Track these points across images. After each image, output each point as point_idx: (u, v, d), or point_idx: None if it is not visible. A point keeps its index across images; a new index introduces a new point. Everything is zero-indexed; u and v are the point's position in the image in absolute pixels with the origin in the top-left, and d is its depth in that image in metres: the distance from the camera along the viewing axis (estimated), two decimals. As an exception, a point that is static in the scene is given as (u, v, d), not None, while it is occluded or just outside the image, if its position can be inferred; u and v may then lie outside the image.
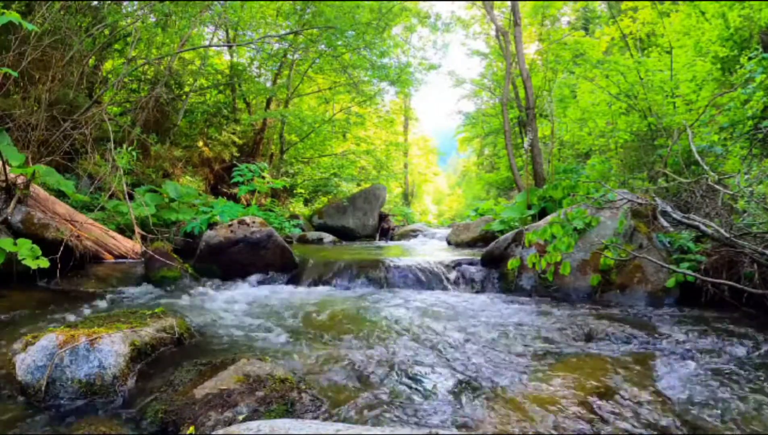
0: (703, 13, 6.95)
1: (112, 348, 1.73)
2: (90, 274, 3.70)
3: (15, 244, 3.06)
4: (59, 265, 3.32)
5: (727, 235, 2.95)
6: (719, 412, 1.55)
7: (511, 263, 3.74)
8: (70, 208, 4.24)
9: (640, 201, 3.74)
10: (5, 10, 3.07)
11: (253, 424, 1.15)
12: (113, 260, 4.19)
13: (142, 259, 4.06)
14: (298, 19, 10.05)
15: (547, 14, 16.10)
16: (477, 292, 3.78)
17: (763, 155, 4.62)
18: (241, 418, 1.41)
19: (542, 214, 5.82)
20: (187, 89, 9.07)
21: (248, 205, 7.23)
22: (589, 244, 3.55)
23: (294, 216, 9.64)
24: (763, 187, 3.26)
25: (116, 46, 7.49)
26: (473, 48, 20.39)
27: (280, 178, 9.53)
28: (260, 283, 4.05)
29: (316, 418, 1.49)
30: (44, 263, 3.05)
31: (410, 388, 1.77)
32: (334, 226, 9.99)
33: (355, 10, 9.34)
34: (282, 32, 10.27)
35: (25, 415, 1.52)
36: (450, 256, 4.84)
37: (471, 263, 4.13)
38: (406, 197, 25.55)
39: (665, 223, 3.62)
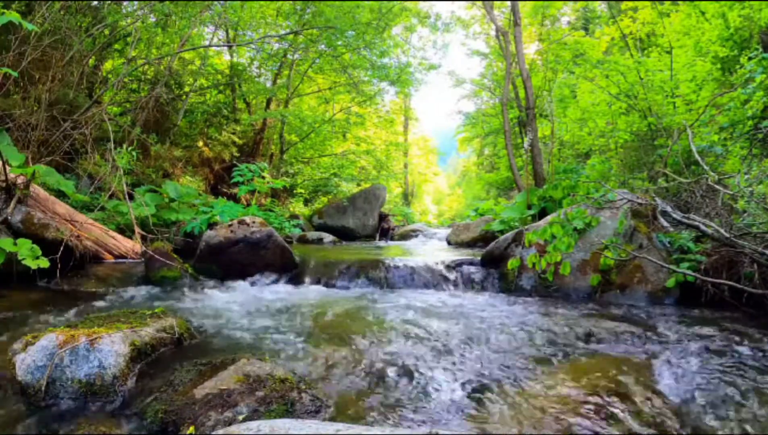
0: (703, 13, 6.95)
1: (112, 348, 1.73)
2: (90, 274, 3.70)
3: (15, 244, 3.06)
4: (59, 265, 3.33)
5: (727, 235, 2.95)
6: (720, 412, 1.55)
7: (511, 263, 3.74)
8: (70, 208, 4.24)
9: (640, 201, 3.74)
10: (5, 10, 3.07)
11: (253, 424, 1.15)
12: (113, 260, 4.19)
13: (142, 259, 4.06)
14: (298, 19, 10.05)
15: (547, 14, 16.11)
16: (477, 292, 3.78)
17: (763, 155, 4.62)
18: (241, 418, 1.41)
19: (542, 214, 5.82)
20: (187, 89, 9.07)
21: (248, 205, 7.23)
22: (589, 244, 3.55)
23: (294, 216, 9.64)
24: (763, 187, 3.27)
25: (116, 46, 7.49)
26: (473, 48, 20.41)
27: (280, 178, 9.53)
28: (260, 283, 4.04)
29: (316, 418, 1.49)
30: (44, 263, 3.05)
31: (410, 387, 1.77)
32: (334, 226, 9.99)
33: (355, 10, 9.33)
34: (282, 32, 10.27)
35: (25, 415, 1.52)
36: (450, 256, 4.84)
37: (471, 263, 4.13)
38: (406, 197, 25.55)
39: (665, 223, 3.62)
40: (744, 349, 2.12)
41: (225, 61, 11.15)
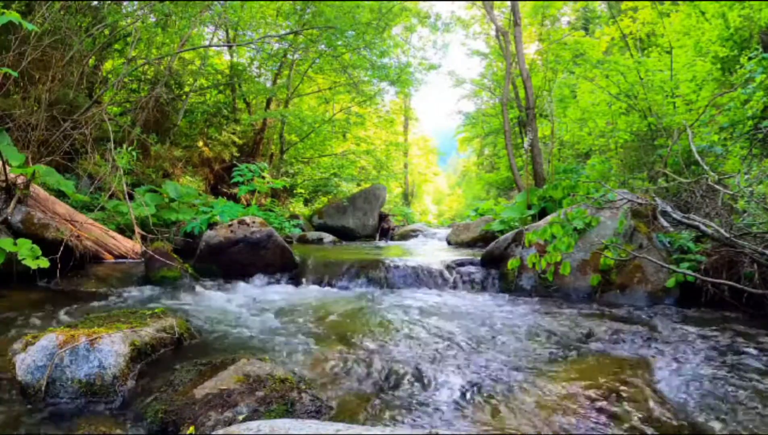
0: (703, 13, 6.95)
1: (112, 348, 1.73)
2: (90, 274, 3.70)
3: (15, 244, 3.06)
4: (59, 265, 3.32)
5: (727, 235, 2.95)
6: (720, 412, 1.55)
7: (511, 263, 3.74)
8: (70, 208, 4.24)
9: (640, 201, 3.74)
10: (5, 10, 3.07)
11: (253, 424, 1.15)
12: (113, 260, 4.19)
13: (142, 259, 4.06)
14: (298, 19, 10.05)
15: (547, 14, 16.10)
16: (477, 292, 3.78)
17: (763, 155, 4.62)
18: (241, 418, 1.41)
19: (542, 214, 5.82)
20: (187, 89, 9.07)
21: (248, 205, 7.23)
22: (589, 244, 3.55)
23: (294, 216, 9.64)
24: (763, 187, 3.27)
25: (116, 46, 7.49)
26: (473, 48, 20.39)
27: (280, 178, 9.53)
28: (260, 283, 4.05)
29: (316, 418, 1.49)
30: (44, 263, 3.05)
31: (410, 387, 1.77)
32: (334, 226, 9.99)
33: (355, 10, 9.33)
34: (282, 32, 10.26)
35: (25, 415, 1.52)
36: (450, 256, 4.84)
37: (471, 263, 4.14)
38: (406, 197, 25.55)
39: (665, 223, 3.62)
40: (744, 349, 2.12)
41: (225, 61, 11.15)
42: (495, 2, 12.13)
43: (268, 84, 11.37)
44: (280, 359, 1.99)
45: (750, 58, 4.74)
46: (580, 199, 4.25)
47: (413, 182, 28.27)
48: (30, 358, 1.66)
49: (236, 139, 10.31)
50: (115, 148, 4.89)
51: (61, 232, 3.55)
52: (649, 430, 1.43)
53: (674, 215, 3.45)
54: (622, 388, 1.70)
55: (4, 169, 3.54)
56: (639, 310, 2.99)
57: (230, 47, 10.40)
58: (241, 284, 3.94)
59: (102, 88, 6.56)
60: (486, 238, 6.58)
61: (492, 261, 4.01)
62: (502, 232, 5.94)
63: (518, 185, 9.26)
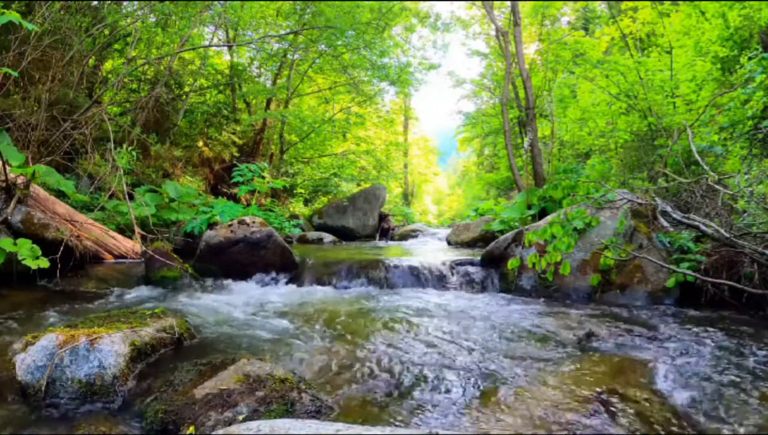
0: (703, 13, 6.95)
1: (112, 348, 1.73)
2: (90, 274, 3.70)
3: (15, 244, 3.06)
4: (59, 265, 3.32)
5: (727, 235, 2.95)
6: (720, 412, 1.55)
7: (511, 263, 3.74)
8: (70, 208, 4.24)
9: (640, 201, 3.74)
10: (5, 10, 3.07)
11: (253, 424, 1.15)
12: (113, 260, 4.19)
13: (142, 259, 4.06)
14: (298, 19, 10.05)
15: (547, 14, 16.09)
16: (477, 292, 3.78)
17: (763, 155, 4.62)
18: (241, 418, 1.41)
19: (542, 214, 5.82)
20: (187, 89, 9.07)
21: (248, 205, 7.23)
22: (589, 244, 3.55)
23: (294, 216, 9.64)
24: (763, 187, 3.27)
25: (116, 46, 7.49)
26: (473, 48, 20.43)
27: (280, 178, 9.53)
28: (260, 283, 4.05)
29: (316, 418, 1.49)
30: (44, 263, 3.05)
31: (411, 387, 1.77)
32: (334, 226, 9.99)
33: (355, 9, 9.33)
34: (282, 32, 10.27)
35: (25, 415, 1.52)
36: (450, 256, 4.84)
37: (471, 263, 4.13)
38: (406, 197, 25.54)
39: (665, 223, 3.62)
40: (744, 349, 2.12)
41: (225, 61, 11.15)
42: (495, 2, 12.13)
43: (268, 84, 11.37)
44: (280, 359, 1.99)
45: (750, 58, 4.74)
46: (580, 199, 4.24)
47: (413, 182, 28.27)
48: (30, 358, 1.66)
49: (236, 139, 10.31)
50: (115, 148, 4.89)
51: (61, 232, 3.55)
52: (649, 430, 1.43)
53: (674, 215, 3.45)
54: (622, 388, 1.70)
55: (4, 169, 3.54)
56: (639, 310, 2.99)
57: (230, 47, 10.40)
58: (241, 284, 3.94)
59: (102, 88, 6.56)
60: (486, 238, 6.58)
61: (492, 261, 4.01)
62: (502, 232, 5.94)
63: (518, 185, 9.26)
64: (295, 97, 11.95)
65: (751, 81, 4.60)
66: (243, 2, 8.62)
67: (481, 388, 1.76)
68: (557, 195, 5.73)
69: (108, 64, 7.82)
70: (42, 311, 2.73)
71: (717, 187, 3.56)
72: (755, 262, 2.85)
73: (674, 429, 1.45)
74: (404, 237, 9.85)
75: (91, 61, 6.45)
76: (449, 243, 7.48)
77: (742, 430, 1.44)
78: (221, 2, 8.07)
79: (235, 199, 8.40)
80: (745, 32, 6.02)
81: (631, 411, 1.54)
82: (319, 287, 3.94)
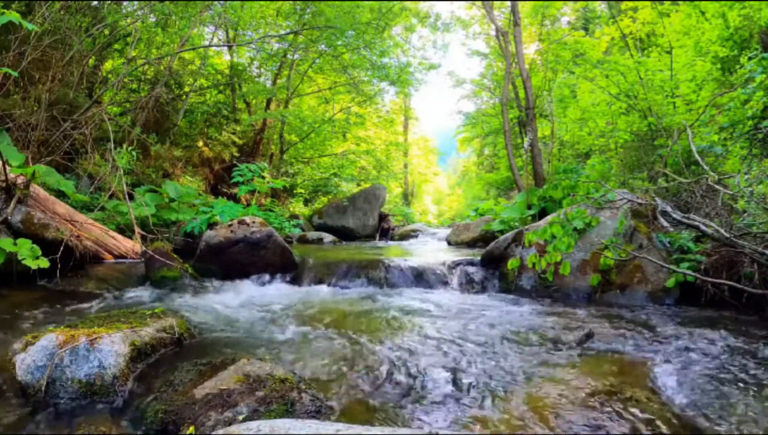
0: (703, 13, 6.95)
1: (112, 348, 1.73)
2: (90, 274, 3.70)
3: (15, 244, 3.06)
4: (59, 265, 3.32)
5: (727, 235, 2.95)
6: (720, 412, 1.55)
7: (511, 263, 3.74)
8: (70, 208, 4.24)
9: (640, 201, 3.74)
10: (5, 10, 3.07)
11: (253, 424, 1.15)
12: (113, 260, 4.19)
13: (142, 259, 4.06)
14: (298, 19, 10.05)
15: (547, 14, 16.09)
16: (477, 292, 3.78)
17: (763, 155, 4.62)
18: (241, 418, 1.41)
19: (542, 214, 5.82)
20: (187, 89, 9.07)
21: (248, 205, 7.23)
22: (589, 244, 3.55)
23: (294, 216, 9.64)
24: (763, 187, 3.26)
25: (116, 46, 7.49)
26: (473, 48, 20.43)
27: (280, 178, 9.53)
28: (260, 283, 4.04)
29: (316, 418, 1.49)
30: (44, 263, 3.05)
31: (411, 387, 1.77)
32: (334, 226, 9.99)
33: (355, 9, 9.33)
34: (282, 32, 10.27)
35: (25, 415, 1.52)
36: (450, 256, 4.84)
37: (471, 263, 4.13)
38: (406, 197, 25.54)
39: (665, 223, 3.62)
40: (744, 349, 2.12)
41: (225, 61, 11.15)
42: (495, 2, 12.13)
43: (268, 84, 11.37)
44: (280, 359, 1.99)
45: (750, 58, 4.74)
46: (580, 199, 4.24)
47: (413, 182, 28.27)
48: (30, 358, 1.66)
49: (236, 139, 10.31)
50: (115, 148, 4.89)
51: (61, 232, 3.55)
52: (649, 430, 1.43)
53: (674, 215, 3.45)
54: (622, 388, 1.70)
55: (4, 169, 3.54)
56: (639, 310, 2.99)
57: (230, 47, 10.40)
58: (242, 284, 3.94)
59: (102, 88, 6.56)
60: (486, 238, 6.58)
61: (492, 261, 4.01)
62: (502, 232, 5.94)
63: (518, 185, 9.26)
64: (295, 97, 11.95)
65: (751, 81, 4.60)
66: (243, 2, 8.63)
67: (481, 388, 1.76)
68: (557, 195, 5.73)
69: (108, 64, 7.82)
70: (42, 311, 2.73)
71: (717, 187, 3.56)
72: (755, 262, 2.85)
73: (675, 429, 1.45)
74: (404, 237, 9.85)
75: (91, 61, 6.45)
76: (449, 243, 7.48)
77: (742, 430, 1.44)
78: (221, 2, 8.08)
79: (235, 199, 8.40)
80: (745, 32, 6.02)
81: (631, 411, 1.54)
82: (319, 287, 3.94)
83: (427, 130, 35.00)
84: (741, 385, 1.74)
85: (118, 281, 3.70)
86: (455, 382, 1.81)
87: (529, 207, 6.31)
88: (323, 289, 3.90)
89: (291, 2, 9.93)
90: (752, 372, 1.86)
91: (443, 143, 34.02)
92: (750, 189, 3.24)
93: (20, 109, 4.73)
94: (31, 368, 1.63)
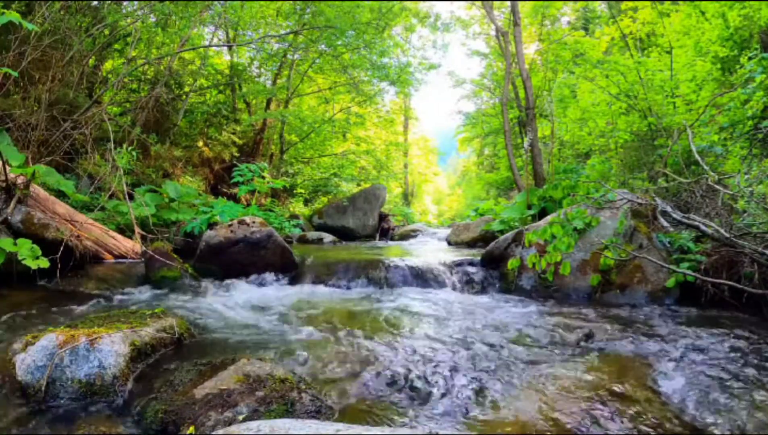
0: (703, 13, 6.95)
1: (112, 348, 1.73)
2: (90, 274, 3.70)
3: (15, 244, 3.06)
4: (59, 265, 3.32)
5: (727, 235, 2.95)
6: (719, 412, 1.55)
7: (511, 263, 3.74)
8: (70, 208, 4.24)
9: (640, 201, 3.74)
10: (5, 10, 3.07)
11: (253, 424, 1.15)
12: (113, 260, 4.19)
13: (142, 259, 4.06)
14: (298, 19, 10.05)
15: (547, 14, 16.08)
16: (477, 292, 3.78)
17: (763, 155, 4.62)
18: (241, 418, 1.41)
19: (542, 214, 5.82)
20: (187, 89, 9.07)
21: (248, 205, 7.23)
22: (589, 244, 3.55)
23: (294, 216, 9.64)
24: (763, 187, 3.27)
25: (116, 46, 7.49)
26: (473, 48, 20.43)
27: (280, 178, 9.53)
28: (260, 283, 4.04)
29: (316, 418, 1.49)
30: (44, 263, 3.05)
31: (411, 387, 1.77)
32: (334, 226, 9.99)
33: (355, 9, 9.33)
34: (282, 32, 10.27)
35: (25, 415, 1.52)
36: (450, 256, 4.84)
37: (471, 263, 4.13)
38: (406, 197, 25.54)
39: (665, 223, 3.62)
40: (744, 349, 2.12)
41: (225, 61, 11.15)
42: (495, 2, 12.14)
43: (268, 84, 11.37)
44: (280, 359, 1.99)
45: (750, 58, 4.74)
46: (580, 199, 4.24)
47: (413, 182, 28.27)
48: (30, 358, 1.66)
49: (236, 139, 10.31)
50: (115, 148, 4.89)
51: (61, 232, 3.55)
52: (649, 430, 1.43)
53: (674, 215, 3.45)
54: (622, 388, 1.70)
55: (4, 169, 3.54)
56: (639, 310, 2.99)
57: (230, 47, 10.40)
58: (241, 284, 3.94)
59: (102, 88, 6.56)
60: (486, 238, 6.58)
61: (492, 261, 4.01)
62: (502, 232, 5.93)
63: (518, 185, 9.26)
64: (295, 97, 11.95)
65: (751, 81, 4.60)
66: (243, 2, 8.63)
67: (482, 388, 1.76)
68: (557, 195, 5.73)
69: (108, 64, 7.82)
70: (42, 311, 2.73)
71: (717, 187, 3.56)
72: (755, 262, 2.85)
73: (674, 429, 1.45)
74: (404, 237, 9.85)
75: (91, 61, 6.45)
76: (449, 243, 7.48)
77: (742, 430, 1.44)
78: (221, 2, 8.08)
79: (235, 199, 8.40)
80: (745, 32, 6.02)
81: (632, 411, 1.54)
82: (319, 287, 3.94)
83: (427, 130, 35.05)
84: (741, 385, 1.74)
85: (118, 281, 3.70)
86: (455, 382, 1.81)
87: (529, 207, 6.30)
88: (323, 289, 3.90)
89: (291, 2, 9.93)
90: (752, 372, 1.86)
91: (443, 143, 34.05)
92: (750, 189, 3.24)
93: (20, 109, 4.72)
94: (31, 368, 1.63)
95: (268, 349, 2.14)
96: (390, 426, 1.47)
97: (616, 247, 3.38)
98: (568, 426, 1.45)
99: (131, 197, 5.22)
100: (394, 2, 10.93)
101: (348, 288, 3.91)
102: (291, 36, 10.08)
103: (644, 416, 1.51)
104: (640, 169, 5.97)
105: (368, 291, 3.80)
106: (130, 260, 4.28)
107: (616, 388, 1.69)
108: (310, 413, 1.51)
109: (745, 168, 4.05)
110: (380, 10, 10.55)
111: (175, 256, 4.04)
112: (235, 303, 3.21)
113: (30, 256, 3.03)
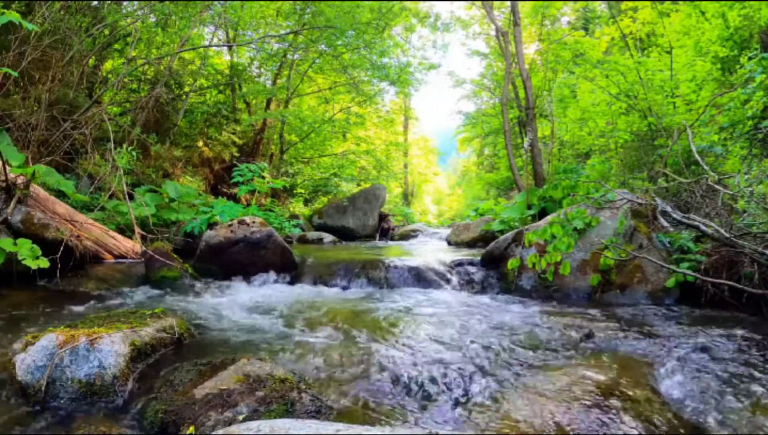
0: (703, 13, 6.95)
1: (112, 348, 1.73)
2: (90, 274, 3.70)
3: (15, 244, 3.06)
4: (59, 265, 3.32)
5: (727, 235, 2.95)
6: (720, 412, 1.55)
7: (511, 263, 3.74)
8: (70, 208, 4.24)
9: (640, 201, 3.74)
10: (5, 10, 3.07)
11: (253, 424, 1.15)
12: (113, 260, 4.19)
13: (142, 259, 4.06)
14: (298, 19, 10.05)
15: (547, 14, 16.08)
16: (477, 292, 3.78)
17: (763, 155, 4.62)
18: (241, 418, 1.41)
19: (542, 214, 5.82)
20: (187, 89, 9.07)
21: (248, 205, 7.23)
22: (589, 244, 3.55)
23: (294, 216, 9.64)
24: (763, 187, 3.27)
25: (116, 46, 7.49)
26: (473, 48, 20.43)
27: (280, 178, 9.53)
28: (260, 283, 4.05)
29: (316, 418, 1.49)
30: (44, 263, 3.05)
31: (411, 387, 1.77)
32: (334, 226, 9.99)
33: (355, 9, 9.33)
34: (282, 32, 10.27)
35: (25, 415, 1.52)
36: (450, 256, 4.84)
37: (471, 263, 4.13)
38: (406, 197, 25.54)
39: (665, 223, 3.62)
40: (744, 349, 2.12)
41: (225, 61, 11.15)
42: (495, 2, 12.14)
43: (268, 84, 11.37)
44: (280, 359, 1.99)
45: (750, 58, 4.74)
46: (580, 199, 4.24)
47: (413, 182, 28.27)
48: (30, 358, 1.66)
49: (236, 139, 10.31)
50: (115, 148, 4.89)
51: (61, 232, 3.55)
52: (648, 430, 1.43)
53: (674, 215, 3.45)
54: (622, 388, 1.70)
55: (4, 169, 3.54)
56: (639, 310, 2.99)
57: (230, 47, 10.40)
58: (241, 284, 3.95)
59: (102, 88, 6.56)
60: (486, 238, 6.58)
61: (492, 261, 4.01)
62: (502, 232, 5.93)
63: (518, 185, 9.26)
64: (295, 97, 11.95)
65: (751, 81, 4.60)
66: (243, 2, 8.62)
67: (482, 388, 1.76)
68: (557, 195, 5.73)
69: (108, 64, 7.82)
70: (42, 311, 2.73)
71: (717, 187, 3.56)
72: (755, 262, 2.85)
73: (674, 429, 1.45)
74: (404, 237, 9.85)
75: (91, 61, 6.45)
76: (449, 243, 7.48)
77: (742, 430, 1.44)
78: (221, 2, 8.08)
79: (235, 199, 8.40)
80: (745, 32, 6.03)
81: (632, 411, 1.54)
82: (319, 287, 3.94)
83: (427, 130, 35.03)
84: (741, 385, 1.74)
85: (118, 281, 3.70)
86: (455, 381, 1.81)
87: (529, 207, 6.30)
88: (323, 289, 3.91)
89: (291, 2, 9.93)
90: (752, 372, 1.86)
91: (443, 143, 34.04)
92: (750, 189, 3.24)
93: (20, 109, 4.72)
94: (31, 368, 1.63)
95: (268, 349, 2.14)
96: (390, 426, 1.47)
97: (616, 247, 3.39)
98: (568, 426, 1.45)
99: (131, 197, 5.22)
100: (394, 2, 10.93)
101: (348, 288, 3.92)
102: (291, 36, 10.08)
103: (644, 416, 1.51)
104: (640, 169, 5.96)
105: (368, 291, 3.80)
106: (130, 260, 4.28)
107: (616, 388, 1.69)
108: (310, 413, 1.51)
109: (745, 168, 4.05)
110: (380, 10, 10.55)
111: (175, 256, 4.04)
112: (235, 303, 3.21)
113: (30, 256, 3.03)
